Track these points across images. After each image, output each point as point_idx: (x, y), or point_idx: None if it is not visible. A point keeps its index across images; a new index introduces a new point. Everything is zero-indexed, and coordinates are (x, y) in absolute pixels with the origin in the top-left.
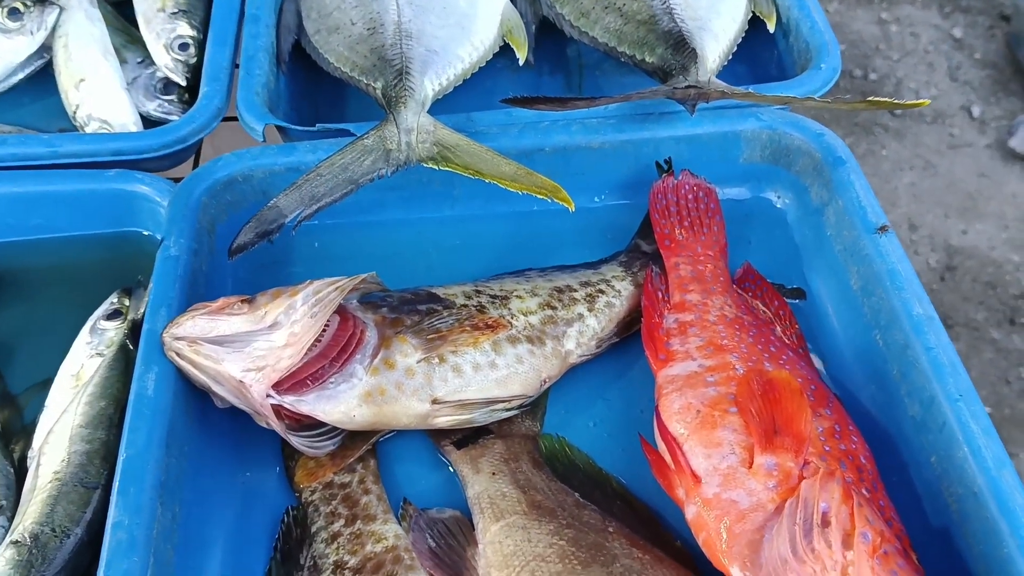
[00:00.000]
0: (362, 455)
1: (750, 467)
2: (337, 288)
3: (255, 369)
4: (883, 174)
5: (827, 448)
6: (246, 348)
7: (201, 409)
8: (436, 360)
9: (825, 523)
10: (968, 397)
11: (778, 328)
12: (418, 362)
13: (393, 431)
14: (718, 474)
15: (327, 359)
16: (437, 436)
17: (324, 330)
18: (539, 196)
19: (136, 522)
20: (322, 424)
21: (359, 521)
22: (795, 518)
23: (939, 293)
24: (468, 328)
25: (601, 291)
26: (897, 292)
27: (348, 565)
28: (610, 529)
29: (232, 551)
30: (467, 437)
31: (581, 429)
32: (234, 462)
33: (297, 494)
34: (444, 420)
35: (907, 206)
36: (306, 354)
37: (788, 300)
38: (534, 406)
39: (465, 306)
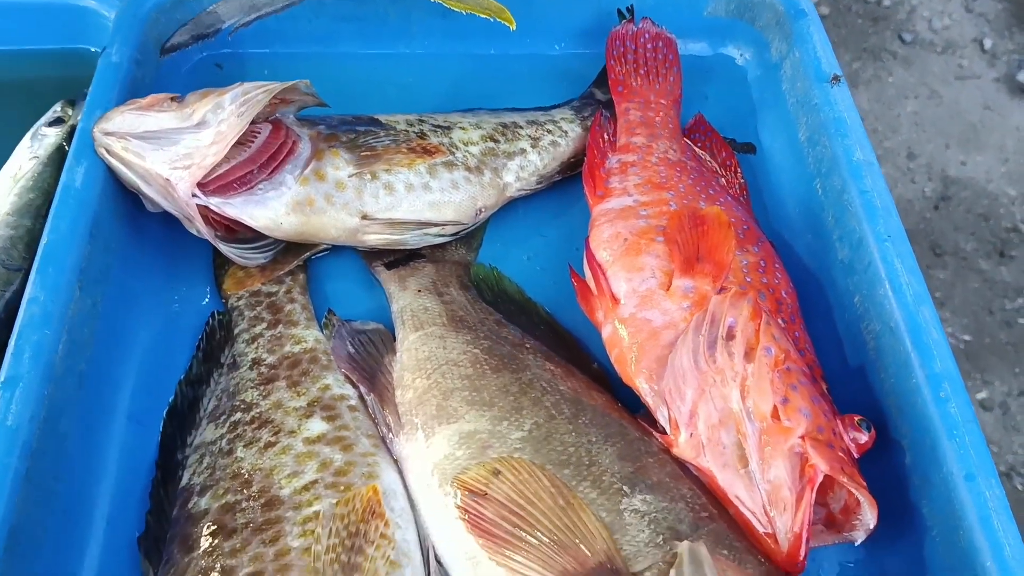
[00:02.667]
0: (292, 269)
1: (668, 290)
2: (266, 90)
3: (181, 167)
4: (887, 100)
5: (748, 279)
6: (173, 146)
7: (132, 212)
8: (368, 176)
9: (730, 336)
10: (897, 238)
11: (722, 179)
12: (349, 176)
13: (326, 249)
14: (636, 295)
15: (256, 164)
16: (370, 257)
17: (255, 137)
18: (483, 16)
19: (51, 299)
20: (256, 237)
21: (281, 325)
22: (700, 330)
23: (931, 221)
24: (404, 150)
25: (548, 130)
26: (840, 139)
27: (265, 362)
28: (527, 345)
29: (156, 349)
30: (399, 259)
31: (516, 262)
32: (165, 269)
33: (224, 300)
34: (374, 238)
35: (908, 134)
36: (234, 158)
37: (739, 153)
38: (470, 236)
39: (406, 131)
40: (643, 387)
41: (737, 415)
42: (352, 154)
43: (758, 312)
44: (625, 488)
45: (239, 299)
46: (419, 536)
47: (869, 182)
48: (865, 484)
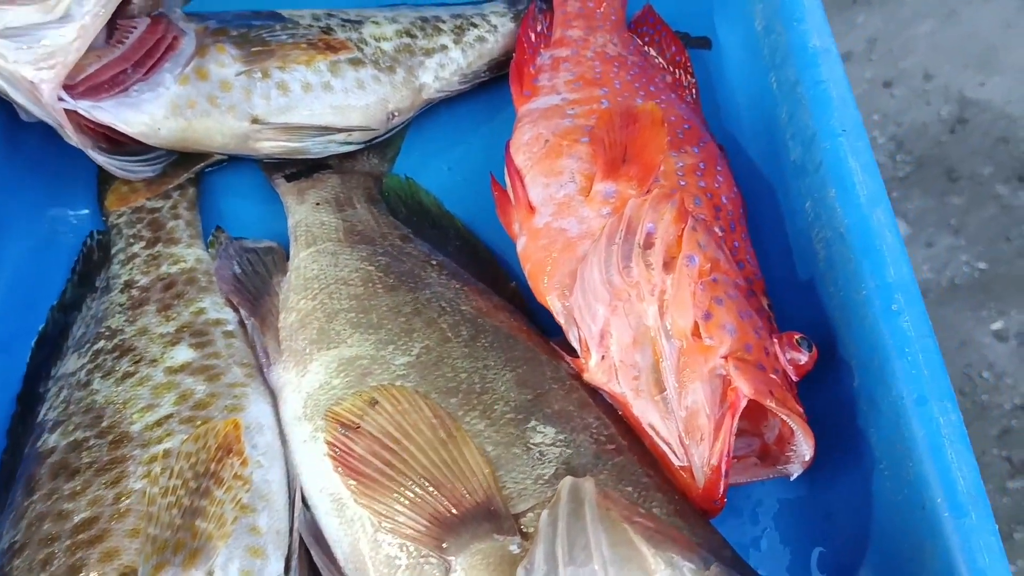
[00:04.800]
0: (182, 184)
1: (587, 195)
2: None
3: (46, 67)
4: (901, 20)
5: (683, 183)
6: (36, 43)
7: (5, 122)
8: (259, 75)
9: (648, 244)
10: (853, 133)
11: (669, 76)
12: (237, 75)
13: (222, 161)
14: (553, 203)
15: (129, 63)
16: (270, 169)
17: (129, 33)
18: None
19: None
20: (144, 149)
21: (160, 244)
22: (614, 238)
23: (947, 145)
24: (303, 45)
25: (473, 24)
26: (796, 24)
27: (137, 284)
28: (433, 262)
29: (29, 272)
30: (302, 171)
31: (435, 172)
32: (45, 185)
33: (104, 219)
34: (268, 145)
35: (923, 55)
36: (105, 56)
37: (692, 49)
38: (384, 144)
39: (310, 27)
40: (555, 305)
41: (654, 334)
42: (241, 50)
43: (683, 216)
44: (519, 418)
45: (120, 216)
46: (287, 476)
47: (825, 71)
48: (800, 410)
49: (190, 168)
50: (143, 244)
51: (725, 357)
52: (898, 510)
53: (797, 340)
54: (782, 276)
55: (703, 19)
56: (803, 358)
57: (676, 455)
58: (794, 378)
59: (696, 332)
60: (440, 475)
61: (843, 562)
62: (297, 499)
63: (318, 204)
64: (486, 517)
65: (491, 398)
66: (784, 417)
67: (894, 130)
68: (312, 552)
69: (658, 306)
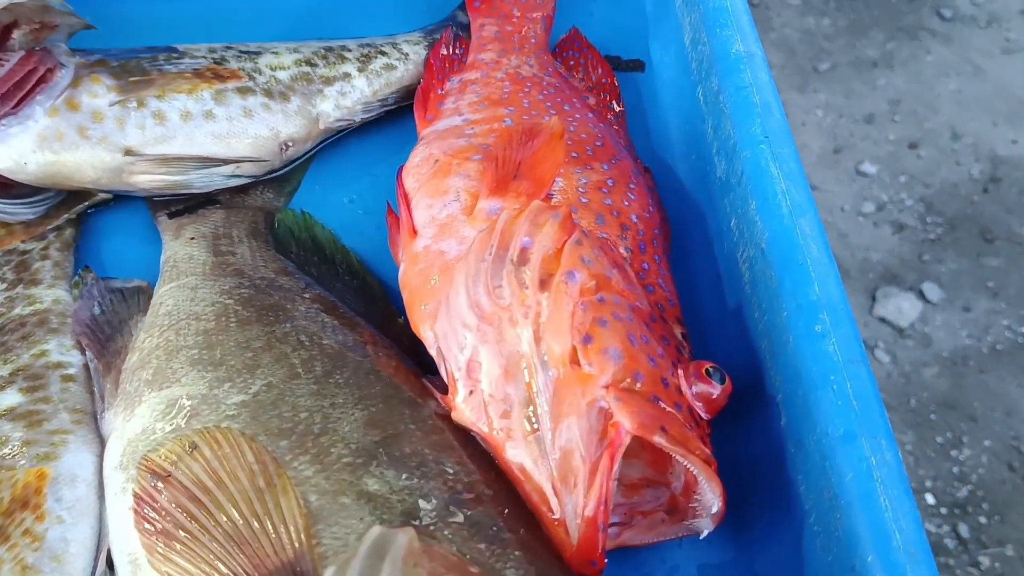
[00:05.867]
0: (61, 224)
1: (471, 214)
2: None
3: None
4: (925, 80)
5: (584, 200)
6: None
7: None
8: (134, 104)
9: (523, 261)
10: (776, 139)
11: (591, 99)
12: (111, 105)
13: (107, 200)
14: (435, 224)
15: None
16: (157, 207)
17: (1, 66)
18: None
19: None
20: (31, 191)
21: (20, 285)
22: (484, 254)
23: (980, 205)
24: (188, 74)
25: (382, 52)
26: (719, 31)
27: None
28: (307, 295)
29: None
30: (188, 207)
31: (335, 206)
32: None
33: None
34: (145, 179)
35: (950, 113)
36: None
37: (626, 71)
38: (283, 180)
39: (202, 58)
40: (427, 336)
41: (527, 363)
42: (117, 80)
43: (567, 229)
44: (357, 462)
45: None
46: (98, 534)
47: (747, 76)
48: (705, 452)
49: (70, 208)
50: (4, 286)
51: (607, 387)
52: (831, 573)
53: (706, 370)
54: (711, 305)
55: (637, 40)
56: (714, 391)
57: (548, 506)
58: (704, 415)
59: (574, 359)
60: (247, 531)
61: None
62: (101, 561)
63: (193, 239)
64: None
65: (329, 440)
66: (680, 458)
67: (923, 191)
68: None
69: (533, 331)
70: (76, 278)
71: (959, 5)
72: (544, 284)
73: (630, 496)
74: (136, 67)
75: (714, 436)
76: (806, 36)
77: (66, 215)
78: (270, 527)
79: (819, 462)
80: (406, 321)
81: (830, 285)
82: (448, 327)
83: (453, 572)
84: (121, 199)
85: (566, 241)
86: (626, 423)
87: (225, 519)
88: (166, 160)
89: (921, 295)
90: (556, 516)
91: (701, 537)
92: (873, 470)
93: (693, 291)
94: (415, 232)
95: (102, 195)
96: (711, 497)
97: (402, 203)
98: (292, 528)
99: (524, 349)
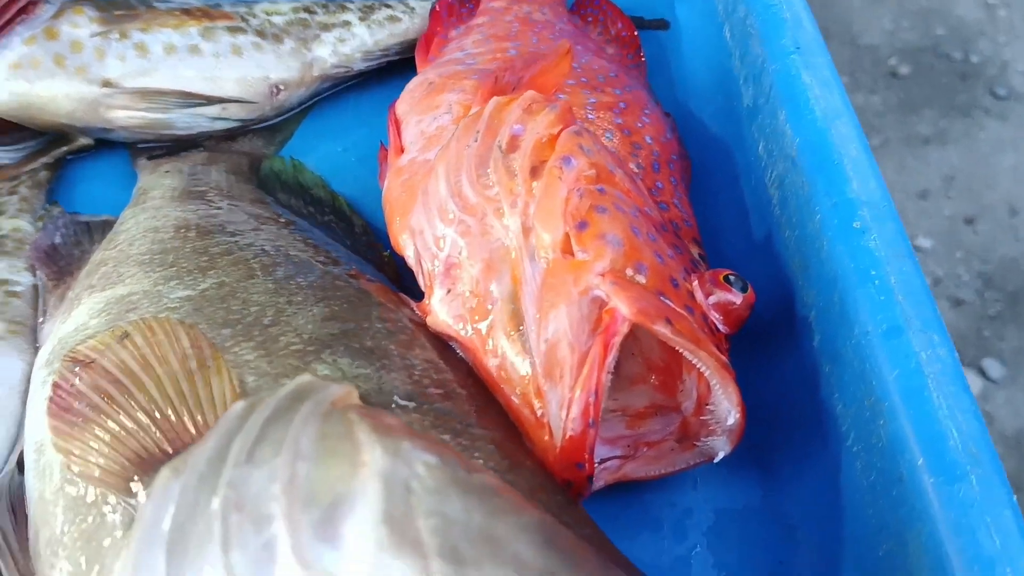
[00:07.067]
0: (37, 167)
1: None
2: None
3: None
4: (980, 156)
5: (591, 116)
6: None
7: None
8: (116, 35)
9: (512, 147)
10: (809, 50)
11: (609, 48)
12: (91, 36)
13: (87, 146)
14: (423, 138)
15: None
16: (137, 152)
17: None
18: None
19: None
20: (14, 139)
21: None
22: (468, 139)
23: None
24: (177, 12)
25: (387, 5)
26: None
27: None
28: (280, 219)
29: None
30: (171, 150)
31: (328, 154)
32: None
33: None
34: (123, 115)
35: (1007, 189)
36: None
37: (650, 30)
38: (275, 130)
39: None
40: (406, 247)
41: (514, 255)
42: (102, 12)
43: (565, 118)
44: (309, 350)
45: None
46: (14, 438)
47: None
48: (719, 355)
49: (48, 153)
50: None
51: (603, 275)
52: (874, 496)
53: (725, 277)
54: (738, 241)
55: (662, 3)
56: (735, 300)
57: (531, 408)
58: (723, 329)
59: (567, 247)
60: (168, 408)
61: None
62: (11, 461)
63: (168, 172)
64: None
65: (280, 330)
66: (688, 355)
67: (980, 267)
68: None
69: (521, 222)
70: (42, 212)
71: (1015, 84)
72: (536, 171)
73: (635, 427)
74: (123, 2)
75: (736, 368)
76: (856, 112)
77: (43, 159)
78: (193, 403)
79: (858, 368)
80: (392, 255)
81: (870, 182)
82: (425, 221)
83: (399, 431)
84: (103, 147)
85: (561, 128)
86: (623, 308)
87: (144, 397)
88: (146, 95)
89: (982, 372)
90: (539, 415)
91: (716, 460)
92: (923, 366)
93: (718, 230)
94: (402, 151)
95: (82, 140)
96: (726, 407)
97: (392, 128)
98: (220, 407)
99: (510, 242)
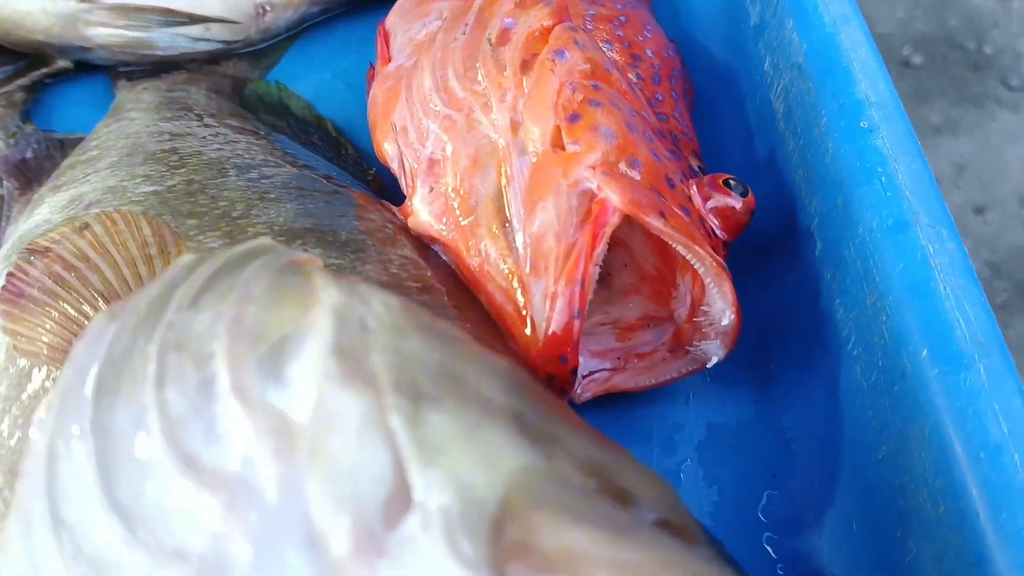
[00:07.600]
0: (12, 88)
1: None
2: None
3: None
4: (992, 147)
5: (591, 27)
6: None
7: None
8: None
9: (503, 40)
10: None
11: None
12: None
13: (66, 69)
14: (411, 44)
15: None
16: (117, 76)
17: None
18: None
19: None
20: None
21: None
22: (455, 33)
23: None
24: None
25: None
26: None
27: None
28: (261, 132)
29: None
30: (152, 72)
31: (315, 80)
32: None
33: None
34: (103, 32)
35: (1018, 179)
36: None
37: None
38: (261, 55)
39: None
40: (389, 149)
41: (502, 151)
42: None
43: (560, 14)
44: (279, 240)
45: None
46: None
47: None
48: (713, 253)
49: (27, 74)
50: None
51: (594, 167)
52: (875, 396)
53: (725, 181)
54: (741, 161)
55: None
56: (735, 204)
57: (514, 303)
58: (721, 235)
59: (557, 141)
60: (122, 288)
61: (806, 504)
62: None
63: (146, 88)
64: None
65: (249, 222)
66: (681, 249)
67: (989, 256)
68: None
69: (510, 117)
70: (15, 129)
71: None
72: (527, 65)
73: (626, 339)
74: None
75: (735, 283)
76: None
77: (20, 80)
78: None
79: (860, 268)
80: (379, 174)
81: (879, 83)
82: (408, 116)
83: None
84: (82, 72)
85: (554, 23)
86: (614, 198)
87: (98, 278)
88: (126, 10)
89: None
90: (522, 308)
91: (709, 365)
92: (930, 258)
93: (721, 154)
94: (390, 61)
95: (61, 63)
96: (720, 307)
97: (381, 40)
98: None
99: (497, 137)
